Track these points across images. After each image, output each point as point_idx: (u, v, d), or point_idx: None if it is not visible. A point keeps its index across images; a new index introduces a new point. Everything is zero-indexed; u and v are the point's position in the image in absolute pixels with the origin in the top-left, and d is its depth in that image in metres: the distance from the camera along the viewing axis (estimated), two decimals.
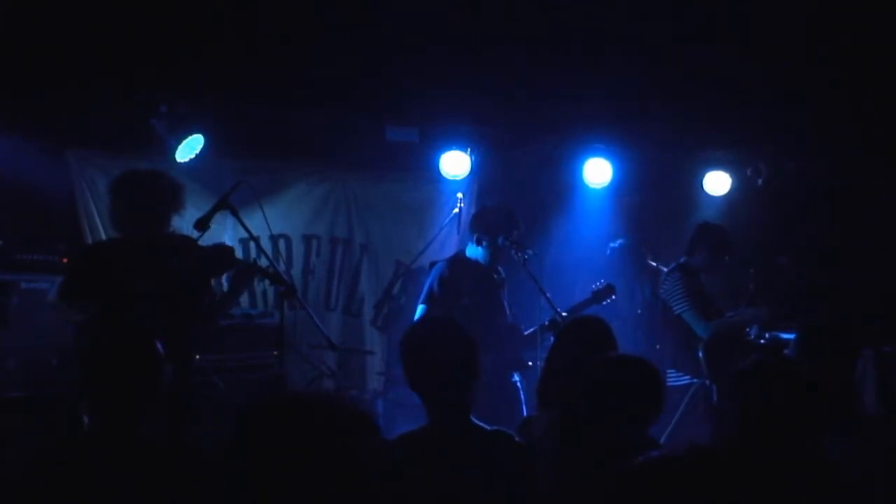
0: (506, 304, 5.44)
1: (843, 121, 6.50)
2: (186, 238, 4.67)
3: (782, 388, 2.89)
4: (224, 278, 5.19)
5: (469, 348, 2.91)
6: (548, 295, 5.34)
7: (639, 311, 6.79)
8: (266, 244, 5.36)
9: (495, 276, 5.40)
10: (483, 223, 5.35)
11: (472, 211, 6.82)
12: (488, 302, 5.29)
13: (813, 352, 3.66)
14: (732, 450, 1.85)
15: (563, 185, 7.11)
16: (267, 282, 5.88)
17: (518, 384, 5.31)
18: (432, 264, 5.55)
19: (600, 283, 5.73)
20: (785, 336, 5.83)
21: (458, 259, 5.41)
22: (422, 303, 5.29)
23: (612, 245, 7.04)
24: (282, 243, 6.53)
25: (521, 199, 5.85)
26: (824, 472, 2.76)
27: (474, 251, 5.34)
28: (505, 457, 2.81)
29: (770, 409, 2.85)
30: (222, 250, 4.79)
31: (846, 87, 6.22)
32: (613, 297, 5.73)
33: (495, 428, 2.88)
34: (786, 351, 3.88)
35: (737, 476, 1.73)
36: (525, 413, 5.20)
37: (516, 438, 2.92)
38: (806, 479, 2.63)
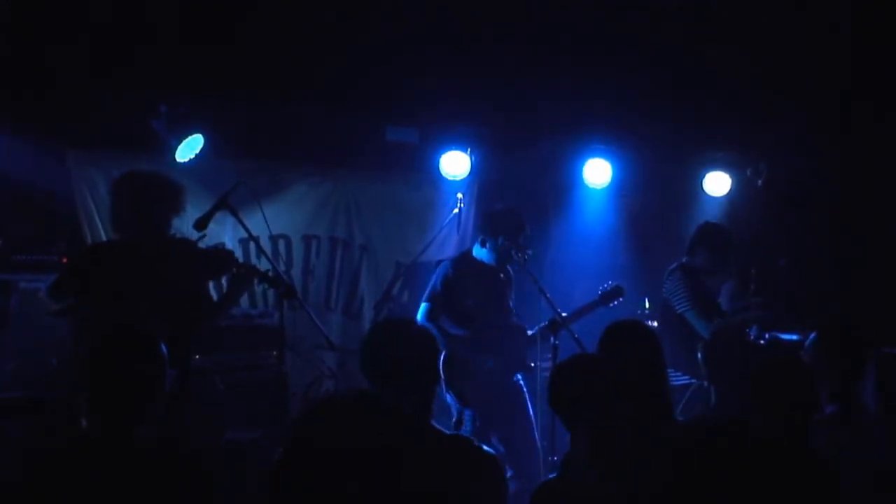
0: (511, 304, 5.42)
1: (844, 121, 6.50)
2: (186, 241, 4.67)
3: (799, 387, 2.92)
4: (224, 279, 5.18)
5: (429, 352, 2.89)
6: (548, 295, 5.31)
7: (638, 312, 6.78)
8: (266, 244, 5.35)
9: (502, 276, 5.37)
10: (488, 224, 5.35)
11: (473, 211, 6.85)
12: (493, 303, 5.28)
13: (831, 352, 3.67)
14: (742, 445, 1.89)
15: (563, 185, 7.11)
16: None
17: (521, 384, 5.30)
18: (438, 263, 5.52)
19: (608, 284, 5.66)
20: (784, 337, 5.83)
21: (464, 259, 5.39)
22: (424, 301, 5.26)
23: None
24: (281, 244, 6.51)
25: (520, 199, 5.83)
26: (823, 472, 2.77)
27: (480, 252, 5.32)
28: (464, 463, 2.72)
29: (786, 406, 2.88)
30: (221, 253, 4.78)
31: (846, 88, 6.22)
32: (622, 298, 5.65)
33: (454, 433, 2.87)
34: (801, 353, 3.88)
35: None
36: (532, 413, 5.18)
37: (476, 445, 2.80)
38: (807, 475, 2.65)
